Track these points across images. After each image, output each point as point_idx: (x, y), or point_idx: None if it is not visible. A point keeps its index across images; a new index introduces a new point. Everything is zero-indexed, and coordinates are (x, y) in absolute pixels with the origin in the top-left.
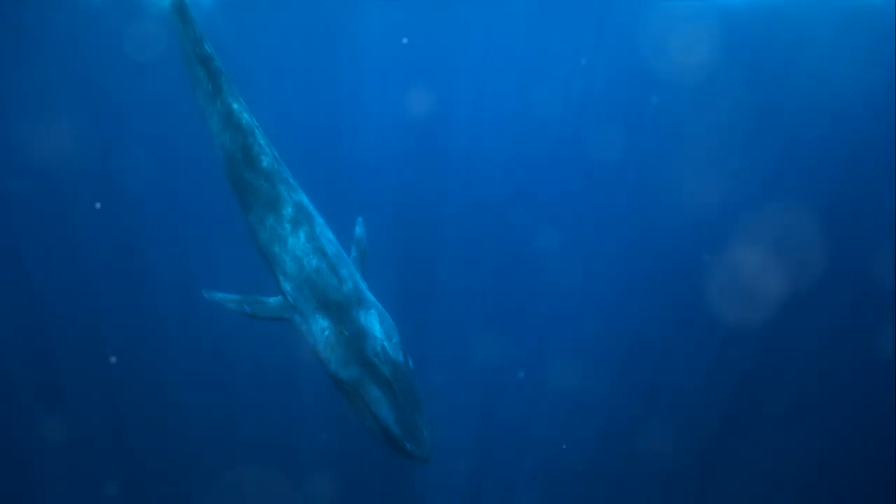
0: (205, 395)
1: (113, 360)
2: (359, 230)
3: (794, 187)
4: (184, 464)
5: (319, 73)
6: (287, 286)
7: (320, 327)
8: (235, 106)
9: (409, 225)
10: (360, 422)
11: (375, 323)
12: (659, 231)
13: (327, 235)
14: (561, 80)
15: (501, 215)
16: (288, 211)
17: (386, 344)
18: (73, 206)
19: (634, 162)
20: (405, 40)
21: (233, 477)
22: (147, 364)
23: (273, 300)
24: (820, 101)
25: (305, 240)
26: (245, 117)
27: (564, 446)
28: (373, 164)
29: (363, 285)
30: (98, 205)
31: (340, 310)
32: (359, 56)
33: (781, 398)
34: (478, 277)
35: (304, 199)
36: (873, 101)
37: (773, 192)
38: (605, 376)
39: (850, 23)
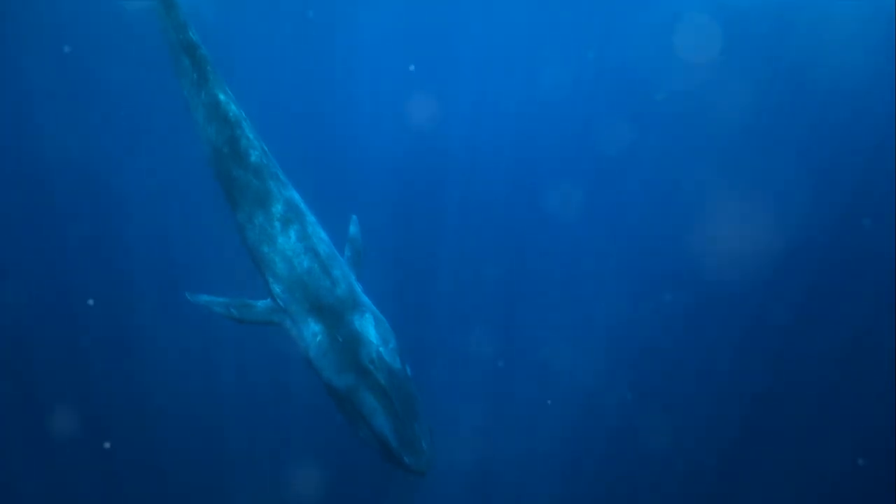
0: (191, 404)
1: (95, 363)
2: (353, 229)
3: (810, 186)
4: (170, 473)
5: (312, 62)
6: (277, 288)
7: (312, 332)
8: (222, 97)
9: (407, 223)
10: (355, 432)
11: (371, 327)
12: (667, 231)
13: (319, 234)
14: (566, 74)
15: (503, 212)
16: (278, 208)
17: (382, 350)
18: (56, 205)
19: (641, 161)
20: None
21: (222, 486)
22: (130, 370)
23: (262, 303)
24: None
25: (296, 239)
26: (232, 109)
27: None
28: (368, 159)
29: (358, 287)
30: None
31: (334, 313)
32: (354, 43)
33: (796, 401)
34: (478, 278)
35: (296, 195)
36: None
37: (788, 190)
38: (611, 378)
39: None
